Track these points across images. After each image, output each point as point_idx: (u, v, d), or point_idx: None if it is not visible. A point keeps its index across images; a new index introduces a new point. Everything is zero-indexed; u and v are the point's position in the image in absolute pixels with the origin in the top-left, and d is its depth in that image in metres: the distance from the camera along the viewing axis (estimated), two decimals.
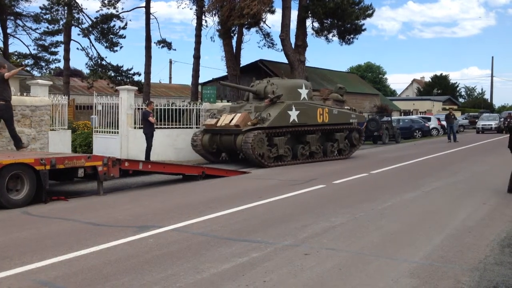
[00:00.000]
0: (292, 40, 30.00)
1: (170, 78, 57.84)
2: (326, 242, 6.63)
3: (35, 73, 37.73)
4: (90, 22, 31.99)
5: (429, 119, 39.74)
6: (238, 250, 6.24)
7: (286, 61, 30.91)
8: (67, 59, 30.97)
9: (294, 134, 17.65)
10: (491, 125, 41.84)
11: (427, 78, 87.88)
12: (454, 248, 6.33)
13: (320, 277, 5.26)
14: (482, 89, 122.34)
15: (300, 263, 5.72)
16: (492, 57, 79.40)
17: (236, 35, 31.95)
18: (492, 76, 75.99)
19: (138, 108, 18.43)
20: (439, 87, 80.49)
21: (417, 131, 35.56)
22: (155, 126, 16.76)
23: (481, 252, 6.17)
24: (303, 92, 18.67)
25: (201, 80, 35.60)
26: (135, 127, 17.99)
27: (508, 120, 41.56)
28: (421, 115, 46.67)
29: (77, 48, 33.21)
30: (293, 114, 17.24)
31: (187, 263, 5.76)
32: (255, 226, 7.65)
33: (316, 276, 5.30)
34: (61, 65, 35.26)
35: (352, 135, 19.83)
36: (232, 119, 16.59)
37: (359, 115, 20.99)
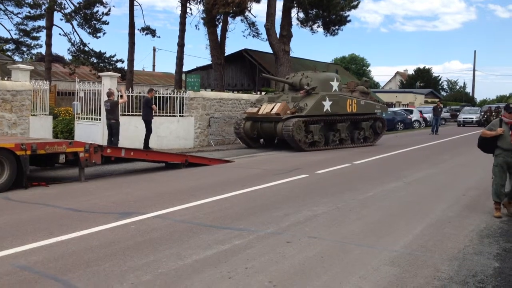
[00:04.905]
0: (277, 30, 29.95)
1: (154, 66, 57.59)
2: (308, 231, 6.67)
3: (16, 58, 37.18)
4: (72, 7, 31.53)
5: (411, 112, 40.02)
6: (220, 238, 6.25)
7: (270, 51, 30.85)
8: (49, 44, 30.51)
9: (326, 123, 19.37)
10: (472, 118, 42.33)
11: (410, 71, 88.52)
12: (434, 238, 6.41)
13: (302, 265, 5.29)
14: (464, 83, 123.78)
15: (282, 251, 5.74)
16: (475, 51, 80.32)
17: (221, 23, 31.80)
18: (474, 70, 76.75)
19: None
20: (421, 80, 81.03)
21: (399, 123, 35.79)
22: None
23: (461, 242, 6.26)
24: (335, 85, 20.22)
25: (185, 68, 35.43)
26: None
27: (488, 114, 42.07)
28: (404, 108, 46.98)
29: (60, 34, 32.64)
30: (327, 104, 18.97)
31: (169, 249, 5.75)
32: (238, 214, 7.66)
33: (297, 263, 5.33)
34: (42, 50, 34.66)
35: (376, 124, 21.68)
36: (273, 108, 18.28)
37: (382, 106, 22.86)
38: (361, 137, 20.94)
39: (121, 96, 16.37)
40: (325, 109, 18.91)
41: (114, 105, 15.42)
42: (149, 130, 16.67)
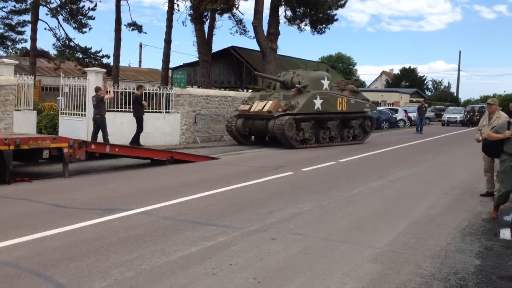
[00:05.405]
0: (265, 27, 29.96)
1: (140, 62, 57.29)
2: (293, 228, 6.69)
3: (1, 52, 36.77)
4: (58, 2, 31.20)
5: (396, 111, 40.26)
6: (205, 234, 6.25)
7: (258, 48, 30.86)
8: (34, 39, 30.18)
9: (317, 120, 19.59)
10: (456, 118, 42.71)
11: (396, 71, 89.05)
12: (416, 236, 6.47)
13: (286, 262, 5.31)
14: (448, 83, 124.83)
15: (266, 248, 5.76)
16: (460, 52, 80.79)
17: (208, 20, 31.72)
18: (459, 70, 77.28)
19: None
20: (407, 79, 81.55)
21: (384, 122, 35.92)
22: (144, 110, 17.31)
23: (443, 240, 6.33)
24: (325, 83, 20.56)
25: (172, 64, 35.31)
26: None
27: (471, 114, 42.62)
28: (389, 107, 47.23)
29: (45, 28, 32.25)
30: (318, 103, 19.25)
31: (154, 246, 5.73)
32: (223, 210, 7.66)
33: (282, 260, 5.35)
34: (27, 45, 34.31)
35: (365, 122, 21.99)
36: (265, 105, 18.60)
37: (372, 105, 23.25)
38: (350, 135, 21.21)
39: (108, 92, 16.34)
40: (316, 107, 19.18)
41: (99, 100, 15.45)
42: (140, 128, 16.74)
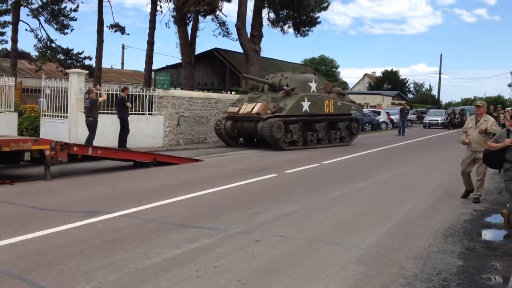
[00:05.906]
0: (248, 30, 29.99)
1: (123, 63, 56.72)
2: (277, 230, 6.70)
3: None
4: (40, 3, 30.91)
5: (379, 113, 40.53)
6: (189, 236, 6.23)
7: (241, 50, 30.88)
8: (15, 40, 29.82)
9: (305, 122, 19.83)
10: (438, 120, 43.14)
11: (378, 73, 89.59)
12: (399, 237, 6.52)
13: (270, 263, 5.31)
14: (430, 86, 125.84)
15: (250, 250, 5.76)
16: (441, 55, 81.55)
17: (191, 22, 31.67)
18: (440, 73, 77.97)
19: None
20: (389, 82, 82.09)
21: (367, 124, 36.14)
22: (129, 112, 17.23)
23: (425, 241, 6.38)
24: (313, 86, 20.86)
25: (155, 66, 35.17)
26: (84, 112, 17.59)
27: (452, 116, 43.07)
28: (372, 109, 47.53)
29: (26, 29, 32.04)
30: (305, 105, 19.49)
31: (137, 248, 5.70)
32: (207, 213, 7.64)
33: (266, 262, 5.35)
34: (8, 46, 33.85)
35: (351, 124, 22.31)
36: (253, 108, 18.75)
37: (358, 107, 23.61)
38: (337, 137, 21.47)
39: (100, 94, 16.24)
40: (304, 109, 19.38)
41: (93, 103, 15.40)
42: (126, 129, 16.67)
